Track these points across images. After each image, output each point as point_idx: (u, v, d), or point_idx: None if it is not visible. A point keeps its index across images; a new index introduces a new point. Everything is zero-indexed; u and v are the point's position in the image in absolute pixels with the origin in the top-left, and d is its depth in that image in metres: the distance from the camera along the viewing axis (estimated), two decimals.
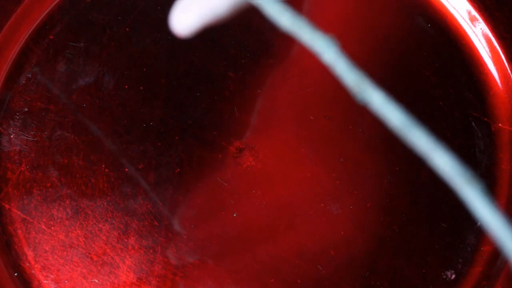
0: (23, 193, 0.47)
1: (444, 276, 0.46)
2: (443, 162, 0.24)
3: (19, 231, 0.46)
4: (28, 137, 0.49)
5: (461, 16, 0.53)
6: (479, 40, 0.52)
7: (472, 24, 0.53)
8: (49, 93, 0.50)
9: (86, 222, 0.47)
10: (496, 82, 0.51)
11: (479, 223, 0.48)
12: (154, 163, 0.48)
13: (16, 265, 0.46)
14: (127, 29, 0.52)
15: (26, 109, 0.50)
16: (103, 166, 0.48)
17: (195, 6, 0.31)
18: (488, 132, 0.50)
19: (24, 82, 0.50)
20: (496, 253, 0.47)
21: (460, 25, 0.53)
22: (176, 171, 0.48)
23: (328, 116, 0.49)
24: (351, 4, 0.54)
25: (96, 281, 0.45)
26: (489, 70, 0.52)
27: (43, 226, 0.47)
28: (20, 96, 0.50)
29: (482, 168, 0.49)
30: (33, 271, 0.46)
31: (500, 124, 0.50)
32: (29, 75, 0.51)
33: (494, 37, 0.52)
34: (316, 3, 0.53)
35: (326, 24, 0.53)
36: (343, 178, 0.48)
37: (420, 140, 0.25)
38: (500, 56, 0.52)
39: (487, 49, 0.52)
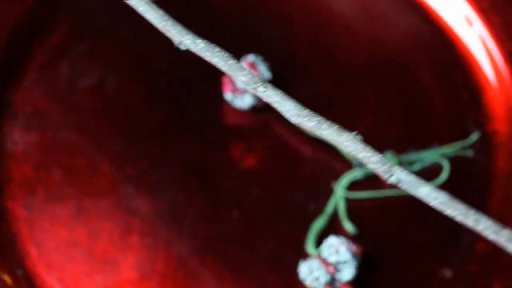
0: (27, 192, 0.48)
1: (442, 274, 0.46)
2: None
3: (23, 230, 0.47)
4: (32, 137, 0.49)
5: (458, 19, 0.53)
6: (475, 42, 0.53)
7: (469, 26, 0.53)
8: (53, 93, 0.50)
9: (89, 221, 0.47)
10: (492, 84, 0.52)
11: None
12: (155, 163, 0.49)
13: (20, 263, 0.46)
14: (129, 29, 0.52)
15: (30, 110, 0.50)
16: (106, 165, 0.48)
17: None
18: (483, 132, 0.50)
19: (27, 83, 0.51)
20: (493, 251, 0.46)
21: (457, 28, 0.53)
22: (177, 171, 0.48)
23: (328, 117, 0.49)
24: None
25: (99, 278, 0.45)
26: (485, 71, 0.52)
27: (47, 225, 0.47)
28: (24, 96, 0.50)
29: (478, 167, 0.49)
30: (36, 269, 0.46)
31: (495, 125, 0.50)
32: (33, 76, 0.51)
33: (490, 40, 0.53)
34: None
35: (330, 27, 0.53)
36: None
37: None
38: (496, 58, 0.52)
39: (483, 51, 0.52)
